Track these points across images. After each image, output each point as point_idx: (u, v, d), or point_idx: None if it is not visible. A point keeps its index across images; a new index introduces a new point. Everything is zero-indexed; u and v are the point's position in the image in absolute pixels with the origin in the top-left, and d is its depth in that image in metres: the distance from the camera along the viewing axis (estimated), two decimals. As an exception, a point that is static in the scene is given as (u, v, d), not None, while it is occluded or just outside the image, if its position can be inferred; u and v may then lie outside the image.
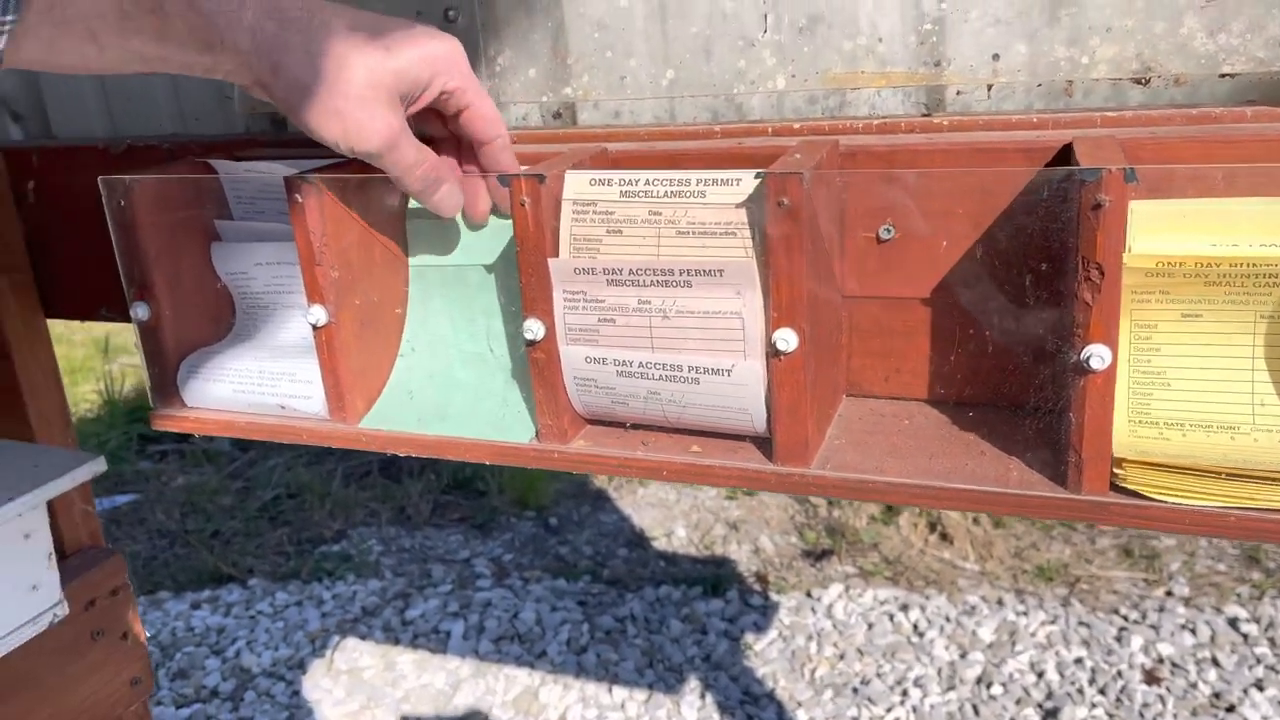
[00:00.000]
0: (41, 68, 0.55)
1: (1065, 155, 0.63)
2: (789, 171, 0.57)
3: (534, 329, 0.67)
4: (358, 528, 3.09)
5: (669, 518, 3.11)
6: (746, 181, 0.61)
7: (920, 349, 0.69)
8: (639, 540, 3.01)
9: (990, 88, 0.68)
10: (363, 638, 2.56)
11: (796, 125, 0.72)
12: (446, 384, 0.75)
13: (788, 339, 0.60)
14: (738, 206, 0.61)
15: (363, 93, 0.61)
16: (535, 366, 0.68)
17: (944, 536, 3.07)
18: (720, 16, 0.73)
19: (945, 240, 0.65)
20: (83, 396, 3.82)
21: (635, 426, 0.69)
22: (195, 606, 2.72)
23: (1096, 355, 0.54)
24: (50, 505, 0.90)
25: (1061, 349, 0.57)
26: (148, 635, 1.86)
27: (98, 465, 0.92)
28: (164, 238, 0.77)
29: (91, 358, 4.15)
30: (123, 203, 0.75)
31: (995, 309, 0.64)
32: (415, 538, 3.04)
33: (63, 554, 1.05)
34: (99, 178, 0.75)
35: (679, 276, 0.62)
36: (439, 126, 0.71)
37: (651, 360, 0.64)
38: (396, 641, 2.54)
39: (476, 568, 2.87)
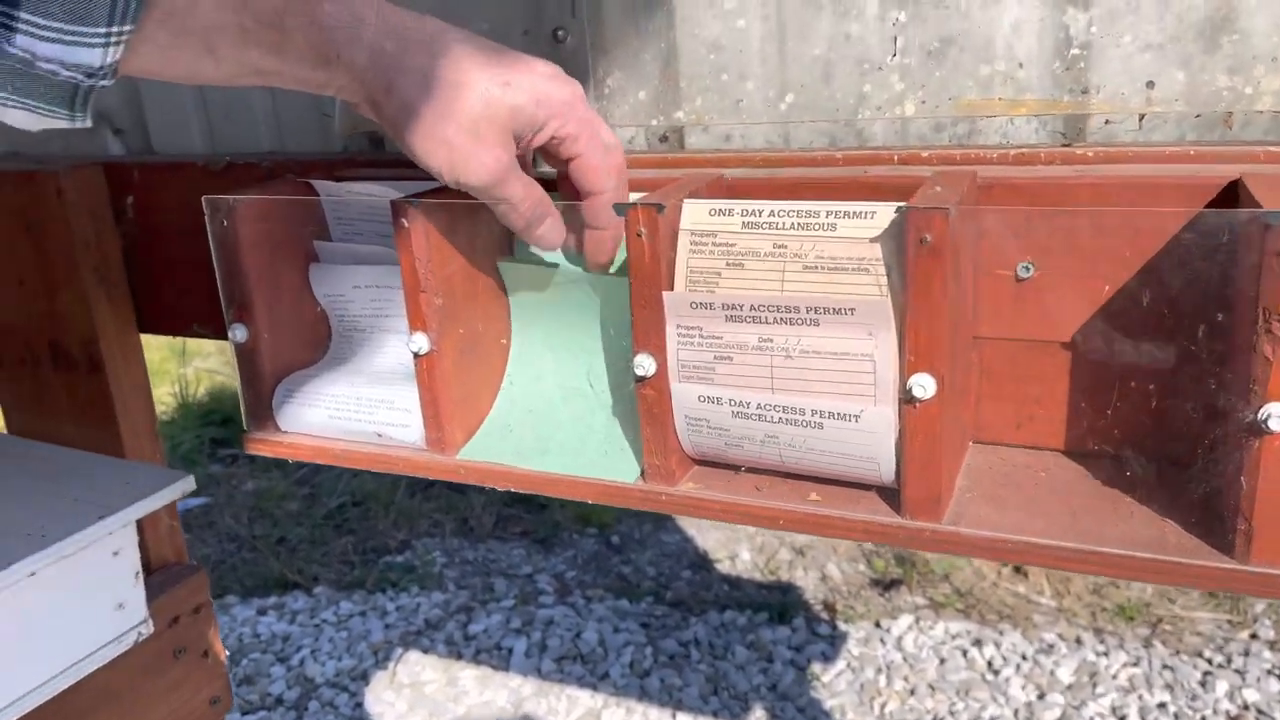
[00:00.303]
0: (150, 75, 0.53)
1: (1228, 193, 0.58)
2: (934, 206, 0.53)
3: (645, 364, 0.63)
4: (421, 538, 3.09)
5: (733, 540, 3.06)
6: (882, 214, 0.57)
7: (1058, 395, 0.64)
8: (703, 562, 2.96)
9: (1142, 118, 0.63)
10: (425, 651, 2.55)
11: (924, 154, 0.68)
12: (547, 419, 0.72)
13: (925, 385, 0.56)
14: (872, 241, 0.57)
15: (475, 124, 0.59)
16: (644, 404, 0.65)
17: (1018, 569, 2.97)
18: (843, 39, 0.70)
19: (1091, 281, 0.61)
20: (158, 399, 3.89)
21: (749, 470, 0.66)
22: (262, 613, 2.74)
23: (1277, 415, 0.49)
24: (138, 521, 0.90)
25: (1233, 406, 0.52)
26: (218, 643, 1.87)
27: (187, 484, 0.91)
28: (264, 258, 0.76)
29: (167, 360, 4.24)
30: (225, 222, 0.73)
31: (1145, 357, 0.60)
32: (478, 550, 3.04)
33: (148, 570, 1.04)
34: (204, 197, 0.73)
35: (805, 314, 0.58)
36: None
37: (771, 402, 0.61)
38: (459, 656, 2.52)
39: (539, 583, 2.85)
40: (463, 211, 0.69)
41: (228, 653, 2.53)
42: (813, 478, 0.64)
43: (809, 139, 0.74)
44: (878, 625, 2.65)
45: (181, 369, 4.14)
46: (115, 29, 0.47)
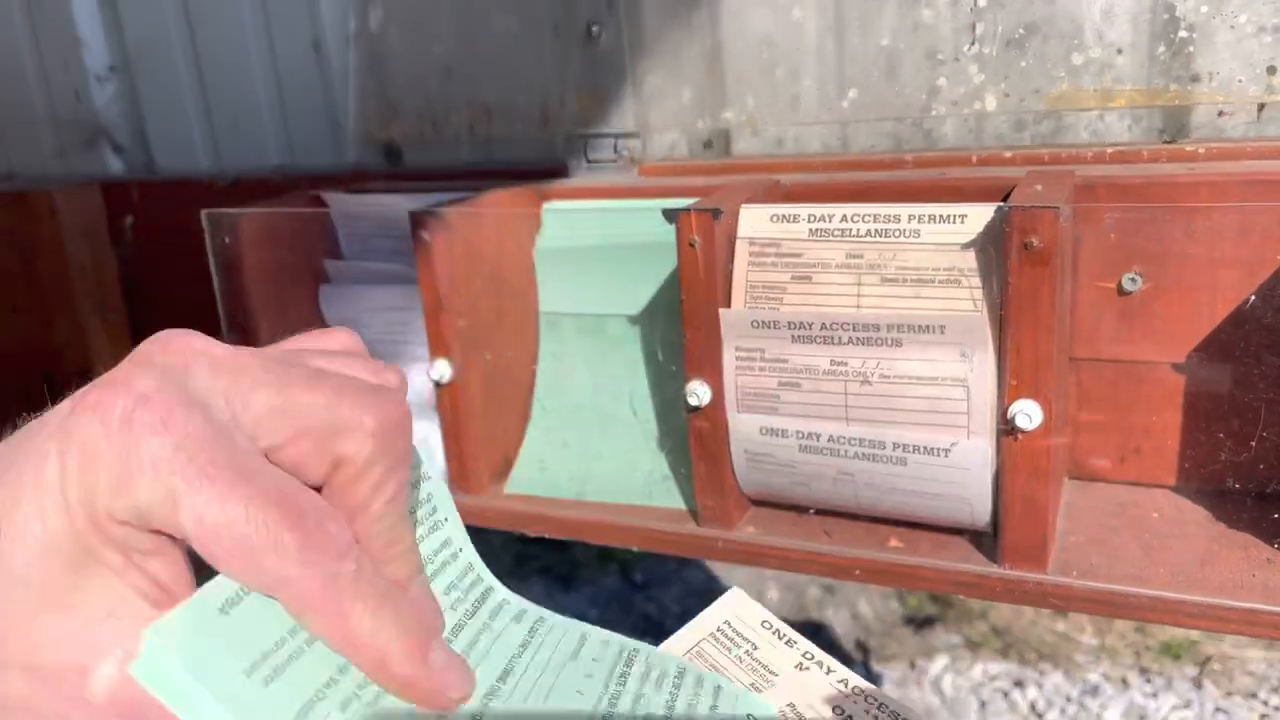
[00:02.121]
0: None
1: (1374, 189, 0.50)
2: (1041, 205, 0.46)
3: (698, 393, 0.56)
4: (439, 576, 3.01)
5: (760, 578, 2.96)
6: (976, 217, 0.49)
7: (1169, 425, 0.56)
8: (729, 600, 2.86)
9: (1261, 108, 0.56)
10: (443, 695, 2.46)
11: (1007, 154, 0.61)
12: (583, 452, 0.64)
13: (1030, 414, 0.48)
14: (964, 248, 0.50)
15: None
16: (697, 437, 0.57)
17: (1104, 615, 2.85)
18: (911, 28, 0.63)
19: (1210, 293, 0.53)
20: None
21: (817, 512, 0.58)
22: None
23: None
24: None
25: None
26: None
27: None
28: (269, 278, 0.69)
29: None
30: (227, 239, 0.66)
31: (1276, 384, 0.51)
32: (497, 589, 2.94)
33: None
34: (203, 211, 0.66)
35: (885, 333, 0.51)
36: None
37: (845, 434, 0.53)
38: (478, 700, 2.43)
39: (560, 623, 2.75)
40: (489, 219, 0.62)
41: None
42: (891, 520, 0.56)
43: (871, 141, 0.66)
44: (913, 666, 2.54)
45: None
46: None
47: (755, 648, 0.37)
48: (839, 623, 2.73)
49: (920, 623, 2.77)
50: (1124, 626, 2.73)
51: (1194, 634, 2.70)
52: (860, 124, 0.66)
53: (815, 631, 2.69)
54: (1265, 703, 2.38)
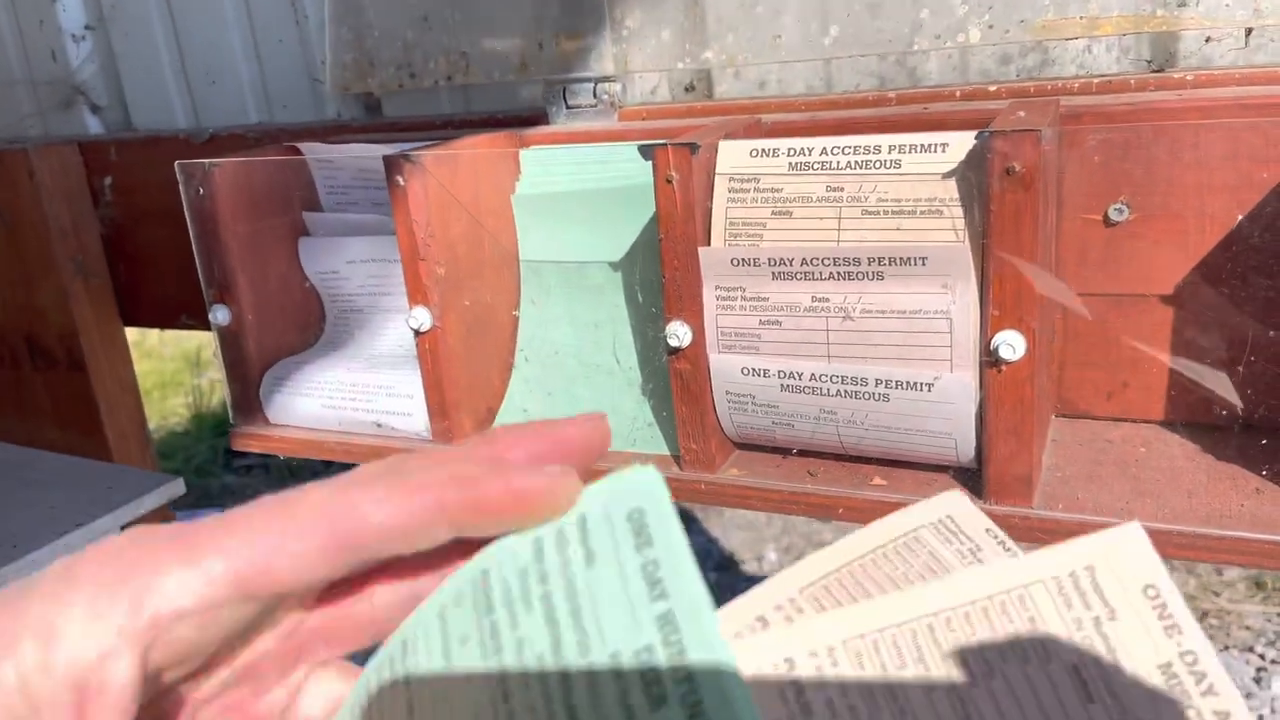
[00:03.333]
0: None
1: (1364, 110, 0.49)
2: (1022, 129, 0.45)
3: (678, 334, 0.55)
4: (440, 546, 3.02)
5: (758, 540, 2.97)
6: (957, 145, 0.48)
7: (1156, 360, 0.55)
8: (728, 563, 2.87)
9: (1249, 33, 0.54)
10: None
11: (992, 88, 0.59)
12: (568, 400, 0.64)
13: (1014, 344, 0.47)
14: (945, 177, 0.49)
15: None
16: (678, 379, 0.56)
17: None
18: (893, -39, 0.61)
19: (1198, 221, 0.52)
20: (172, 410, 3.84)
21: (800, 452, 0.57)
22: (277, 625, 2.67)
23: None
24: (123, 528, 0.82)
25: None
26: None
27: (175, 488, 0.84)
28: (246, 231, 0.68)
29: (181, 371, 4.18)
30: (201, 190, 0.65)
31: (1264, 309, 0.51)
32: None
33: (138, 582, 0.96)
34: (176, 162, 0.65)
35: (866, 266, 0.50)
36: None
37: (828, 372, 0.52)
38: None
39: (561, 589, 2.76)
40: (466, 164, 0.61)
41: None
42: (875, 459, 0.55)
43: (854, 81, 0.65)
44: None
45: (195, 379, 4.08)
46: None
47: (979, 549, 0.32)
48: (839, 584, 2.74)
49: (920, 583, 2.79)
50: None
51: (1190, 589, 2.71)
52: (843, 61, 0.65)
53: (815, 593, 2.70)
54: (1262, 656, 2.39)
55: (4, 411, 0.96)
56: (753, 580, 2.88)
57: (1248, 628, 2.52)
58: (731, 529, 3.06)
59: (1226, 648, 2.42)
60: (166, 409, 3.84)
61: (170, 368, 4.20)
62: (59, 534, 0.76)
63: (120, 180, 0.88)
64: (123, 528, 0.81)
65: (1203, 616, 2.56)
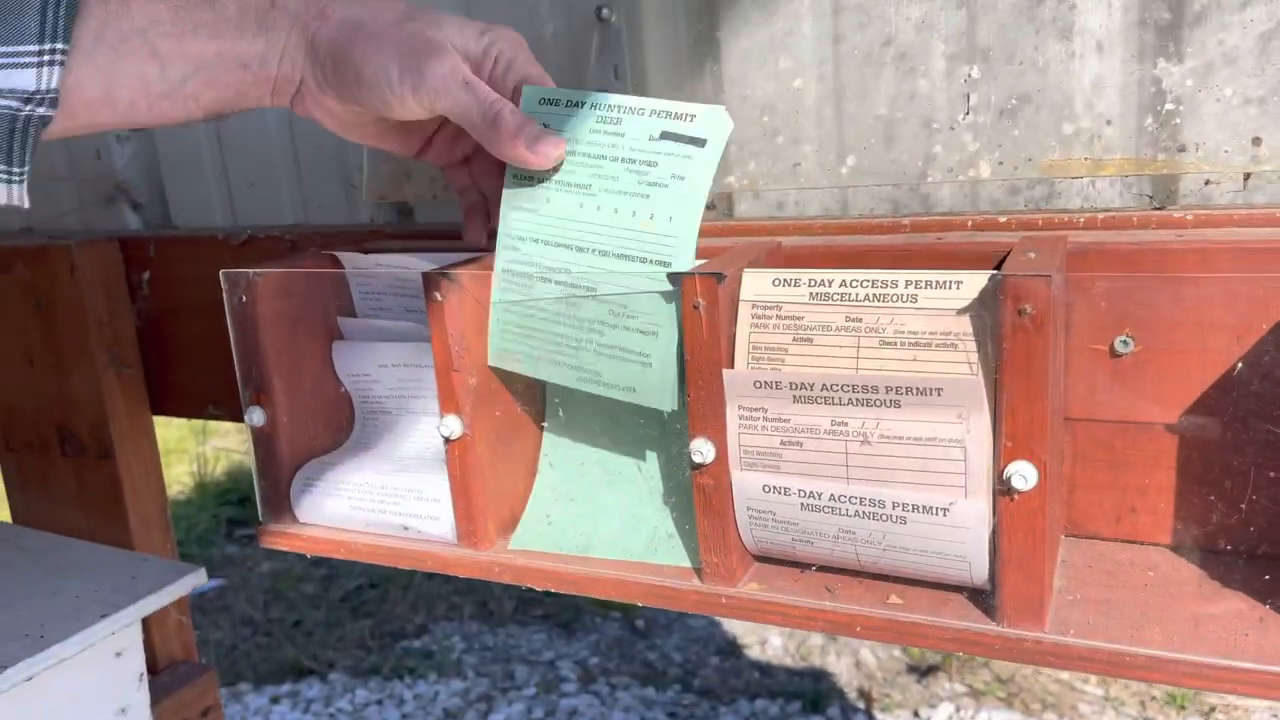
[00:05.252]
0: (94, 112, 0.50)
1: (1355, 257, 0.52)
2: (1034, 274, 0.47)
3: (702, 450, 0.57)
4: (440, 622, 2.99)
5: (763, 625, 2.95)
6: (971, 283, 0.51)
7: (1163, 484, 0.57)
8: (731, 648, 2.84)
9: (1247, 177, 0.58)
10: (444, 743, 2.44)
11: (1002, 219, 0.63)
12: (590, 508, 0.66)
13: (1026, 475, 0.49)
14: (960, 313, 0.51)
15: (416, 34, 0.56)
16: (701, 494, 0.58)
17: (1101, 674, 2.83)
18: (908, 97, 0.65)
19: (1200, 356, 0.54)
20: (175, 478, 3.84)
21: (818, 569, 0.59)
22: (275, 701, 2.64)
23: None
24: (144, 618, 0.83)
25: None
26: (228, 738, 1.78)
27: (197, 577, 0.85)
28: (284, 336, 0.71)
29: (185, 439, 4.19)
30: (244, 298, 0.68)
31: (1264, 451, 0.53)
32: (498, 635, 2.93)
33: (154, 669, 0.97)
34: (221, 271, 0.68)
35: (884, 394, 0.52)
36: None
37: (847, 493, 0.54)
38: (479, 749, 2.41)
39: (561, 670, 2.74)
40: (500, 284, 0.64)
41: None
42: (892, 577, 0.57)
43: (870, 205, 0.69)
44: (916, 715, 2.52)
45: (200, 447, 4.09)
46: (48, 46, 0.45)
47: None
48: (842, 670, 2.72)
49: (924, 671, 2.76)
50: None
51: (1200, 684, 2.67)
52: (859, 189, 0.68)
53: (818, 678, 2.67)
54: (1273, 754, 2.35)
55: (32, 496, 0.98)
56: (758, 666, 2.85)
57: (1256, 724, 2.48)
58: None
59: (1236, 744, 2.38)
60: (170, 477, 3.85)
61: (175, 435, 4.22)
62: (84, 625, 0.78)
63: (157, 275, 0.92)
64: (145, 619, 0.83)
65: (1210, 711, 2.53)
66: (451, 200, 0.81)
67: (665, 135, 0.59)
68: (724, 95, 0.70)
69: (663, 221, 0.58)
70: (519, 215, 0.62)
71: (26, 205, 0.48)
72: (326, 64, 0.56)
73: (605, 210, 0.60)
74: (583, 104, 0.61)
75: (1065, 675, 2.73)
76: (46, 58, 0.45)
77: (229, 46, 0.53)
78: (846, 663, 2.76)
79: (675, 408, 0.59)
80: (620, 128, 0.60)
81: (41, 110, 0.45)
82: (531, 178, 0.62)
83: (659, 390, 0.59)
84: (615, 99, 0.61)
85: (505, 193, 0.63)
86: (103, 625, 0.78)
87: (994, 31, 0.62)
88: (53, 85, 0.46)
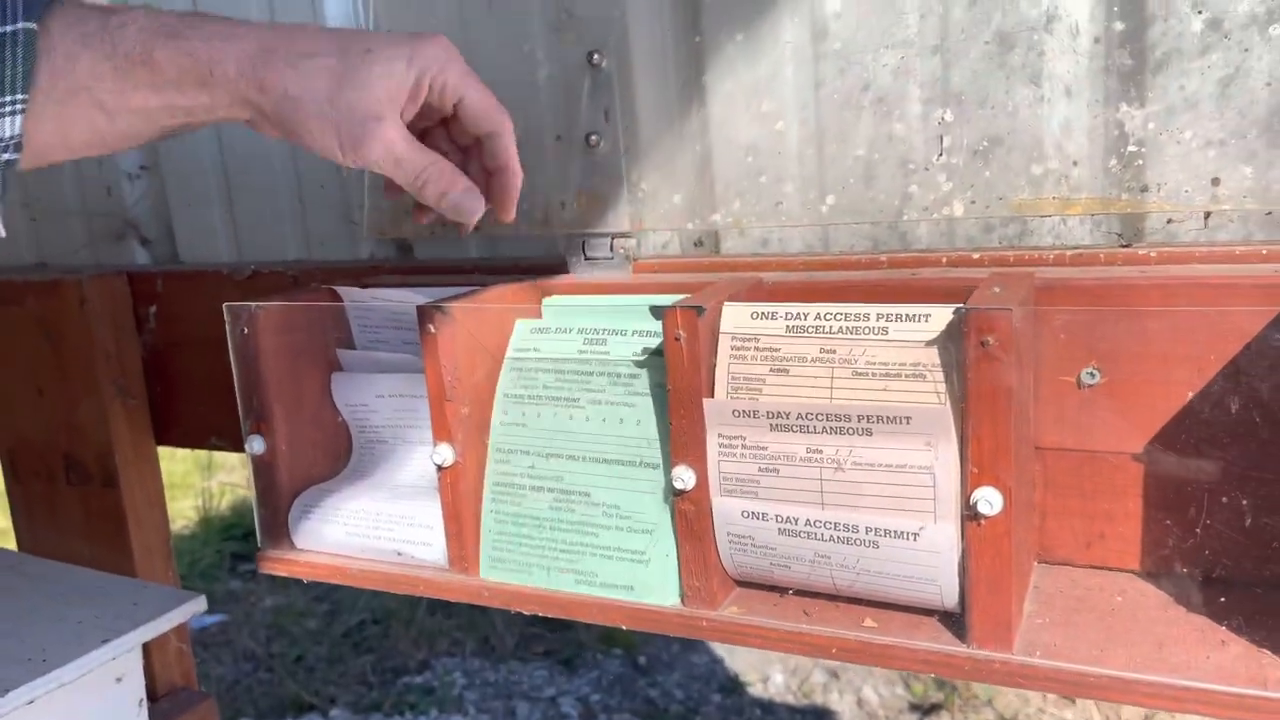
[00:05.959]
0: (60, 153, 0.55)
1: (1309, 292, 0.54)
2: (995, 307, 0.50)
3: (683, 477, 0.59)
4: (441, 658, 2.99)
5: (765, 661, 2.94)
6: (938, 316, 0.53)
7: (1130, 512, 0.59)
8: (733, 685, 2.83)
9: (1208, 216, 0.60)
10: (444, 781, 2.42)
11: (975, 255, 0.65)
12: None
13: (991, 500, 0.51)
14: (927, 345, 0.54)
15: (352, 108, 0.57)
16: (683, 519, 0.60)
17: (1065, 694, 2.81)
18: (885, 139, 0.68)
19: (1163, 387, 0.56)
20: (180, 512, 3.86)
21: (796, 593, 0.61)
22: (275, 736, 2.64)
23: (1393, 535, 0.44)
24: (145, 644, 0.85)
25: (1338, 524, 0.47)
26: (227, 772, 1.78)
27: (197, 604, 0.87)
28: (284, 367, 0.73)
29: (190, 473, 4.21)
30: (246, 330, 0.71)
31: (1234, 468, 0.55)
32: (499, 671, 2.92)
33: (154, 696, 0.99)
34: (225, 304, 0.71)
35: (856, 423, 0.54)
36: (443, 139, 0.66)
37: (822, 518, 0.56)
38: (479, 787, 2.40)
39: (563, 707, 2.73)
40: (492, 314, 0.66)
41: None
42: (867, 601, 0.59)
43: (850, 242, 0.71)
44: (919, 754, 2.50)
45: (205, 482, 4.11)
46: (9, 98, 0.50)
47: None
48: (844, 708, 2.70)
49: (926, 710, 2.74)
50: (1132, 714, 2.69)
51: None
52: (839, 227, 0.71)
53: (820, 716, 2.65)
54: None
55: (38, 524, 1.00)
56: (760, 704, 2.84)
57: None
58: (738, 649, 3.03)
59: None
60: (175, 511, 3.86)
61: (180, 469, 4.24)
62: (85, 650, 0.79)
63: (163, 309, 0.95)
64: (145, 645, 0.84)
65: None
66: (449, 235, 0.84)
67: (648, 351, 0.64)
68: (709, 137, 0.73)
69: (649, 427, 0.63)
70: (509, 430, 0.67)
71: (3, 234, 0.53)
72: (273, 128, 0.59)
73: (594, 420, 0.64)
74: (570, 329, 0.67)
75: (1069, 715, 2.71)
76: (7, 108, 0.51)
77: (171, 99, 0.57)
78: (849, 701, 2.74)
79: (676, 601, 0.62)
80: (605, 347, 0.65)
81: (8, 156, 0.52)
82: (521, 395, 0.67)
83: (659, 586, 0.62)
84: (603, 320, 0.66)
85: (495, 408, 0.67)
86: (104, 650, 0.80)
87: (966, 77, 0.65)
88: (18, 132, 0.51)
